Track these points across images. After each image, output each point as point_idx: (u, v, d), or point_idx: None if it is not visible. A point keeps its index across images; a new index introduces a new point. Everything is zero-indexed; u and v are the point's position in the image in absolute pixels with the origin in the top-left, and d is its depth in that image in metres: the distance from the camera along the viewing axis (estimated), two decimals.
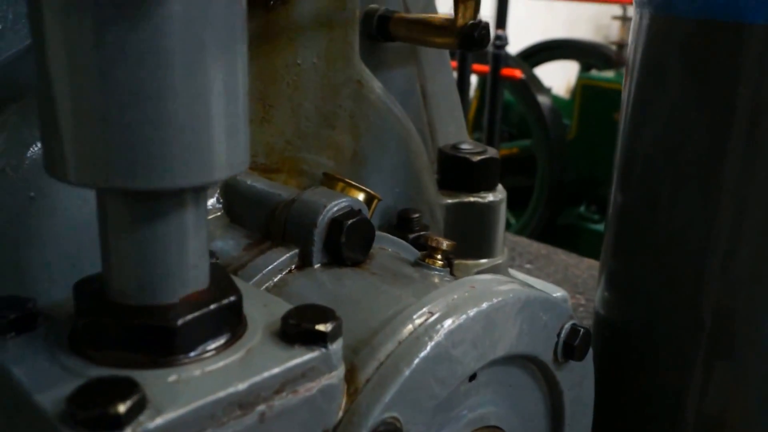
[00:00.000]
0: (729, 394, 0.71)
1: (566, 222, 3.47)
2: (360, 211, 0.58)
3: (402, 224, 0.75)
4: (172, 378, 0.38)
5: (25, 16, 0.54)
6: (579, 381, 0.60)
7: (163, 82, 0.34)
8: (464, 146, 0.87)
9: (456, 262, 0.73)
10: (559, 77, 4.78)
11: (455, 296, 0.51)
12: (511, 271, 0.93)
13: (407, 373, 0.46)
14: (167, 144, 0.35)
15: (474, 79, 3.50)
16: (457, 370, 0.49)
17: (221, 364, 0.39)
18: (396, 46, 0.82)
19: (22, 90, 0.53)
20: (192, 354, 0.39)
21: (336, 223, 0.57)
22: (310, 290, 0.55)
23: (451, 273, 0.63)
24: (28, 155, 0.51)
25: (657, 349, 0.74)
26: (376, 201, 0.68)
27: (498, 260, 0.88)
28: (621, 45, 3.76)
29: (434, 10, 0.93)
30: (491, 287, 0.52)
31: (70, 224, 0.53)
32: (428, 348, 0.47)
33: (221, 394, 0.37)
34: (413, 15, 0.78)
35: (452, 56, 0.96)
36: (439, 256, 0.60)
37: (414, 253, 0.66)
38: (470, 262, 0.86)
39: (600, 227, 3.30)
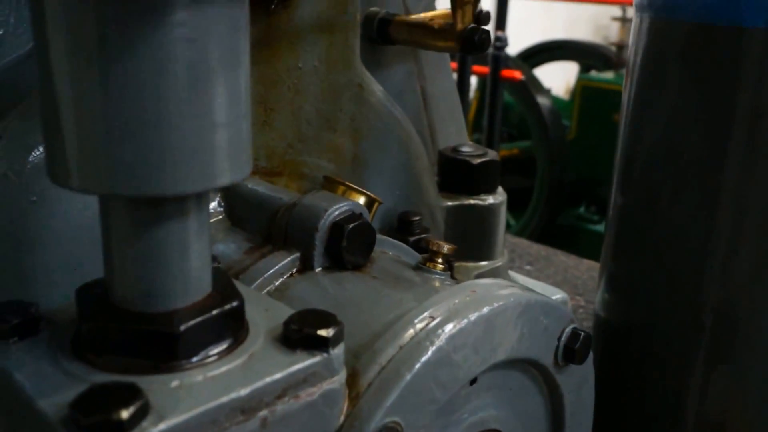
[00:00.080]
0: (729, 396, 0.71)
1: (566, 223, 3.47)
2: (361, 215, 0.58)
3: (402, 227, 0.75)
4: (175, 383, 0.38)
5: (27, 21, 0.54)
6: (579, 384, 0.60)
7: (166, 91, 0.34)
8: (464, 149, 0.87)
9: (456, 264, 0.73)
10: (558, 78, 4.78)
11: (456, 301, 0.51)
12: (511, 273, 0.93)
13: (408, 377, 0.46)
14: (170, 151, 0.35)
15: (474, 80, 3.50)
16: (458, 375, 0.50)
17: (223, 369, 0.39)
18: (396, 48, 0.82)
19: (24, 94, 0.53)
20: (194, 359, 0.39)
21: (337, 227, 0.57)
22: (311, 294, 0.55)
23: (452, 275, 0.63)
24: (30, 160, 0.51)
25: (657, 350, 0.74)
26: (376, 204, 0.68)
27: (498, 262, 0.89)
28: (620, 46, 3.76)
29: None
30: (492, 292, 0.53)
31: (72, 228, 0.53)
32: (429, 352, 0.47)
33: (224, 399, 0.37)
34: (414, 18, 0.78)
35: (452, 57, 0.96)
36: (439, 260, 0.60)
37: (414, 257, 0.66)
38: (470, 264, 0.86)
39: (599, 228, 3.30)
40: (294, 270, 0.57)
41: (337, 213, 0.57)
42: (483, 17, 0.78)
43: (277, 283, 0.56)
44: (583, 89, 3.35)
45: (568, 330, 0.57)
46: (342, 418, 0.44)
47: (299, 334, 0.42)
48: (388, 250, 0.64)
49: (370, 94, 0.72)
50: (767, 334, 0.68)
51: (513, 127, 3.71)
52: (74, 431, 0.34)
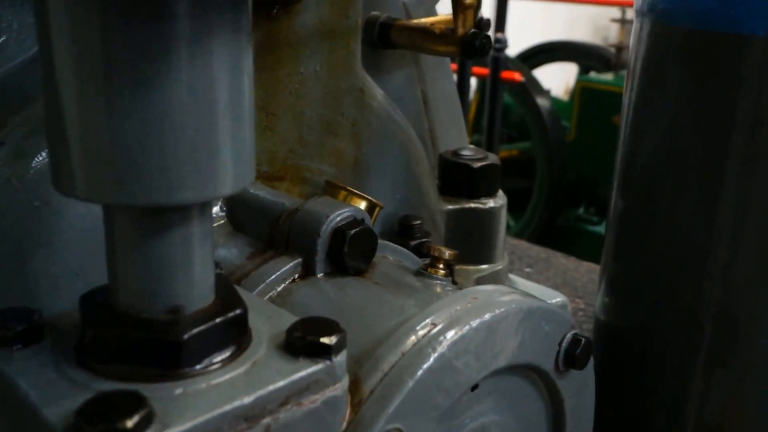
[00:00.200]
0: (729, 399, 0.71)
1: (565, 224, 3.48)
2: (363, 220, 0.59)
3: (403, 231, 0.75)
4: (179, 391, 0.38)
5: (30, 27, 0.55)
6: (580, 389, 0.60)
7: (169, 101, 0.34)
8: (465, 152, 0.87)
9: (456, 267, 0.74)
10: (557, 79, 4.78)
11: (458, 307, 0.51)
12: (511, 276, 0.93)
13: (411, 384, 0.46)
14: (175, 161, 0.35)
15: (473, 82, 3.50)
16: (459, 381, 0.50)
17: (227, 377, 0.40)
18: (397, 52, 0.82)
19: (27, 100, 0.53)
20: (198, 367, 0.40)
21: (339, 232, 0.57)
22: (313, 300, 0.55)
23: (452, 279, 0.63)
24: (33, 165, 0.51)
25: (657, 354, 0.74)
26: (377, 209, 0.68)
27: (498, 266, 0.89)
28: (620, 48, 3.75)
29: (435, 15, 0.93)
30: (493, 298, 0.53)
31: (75, 233, 0.53)
32: (431, 359, 0.47)
33: (227, 407, 0.38)
34: (415, 23, 0.78)
35: (452, 59, 0.96)
36: (441, 266, 0.60)
37: (415, 261, 0.66)
38: (471, 267, 0.86)
39: (599, 229, 3.30)
40: (296, 275, 0.57)
41: (338, 219, 0.58)
42: (483, 24, 0.78)
43: (279, 289, 0.56)
44: (582, 91, 3.35)
45: (569, 335, 0.57)
46: (344, 424, 0.44)
47: (302, 341, 0.42)
48: (390, 255, 0.64)
49: (371, 98, 0.73)
50: (767, 339, 0.69)
51: (512, 128, 3.71)
52: None
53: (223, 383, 0.39)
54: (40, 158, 0.51)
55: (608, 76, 3.44)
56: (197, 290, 0.41)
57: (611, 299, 0.80)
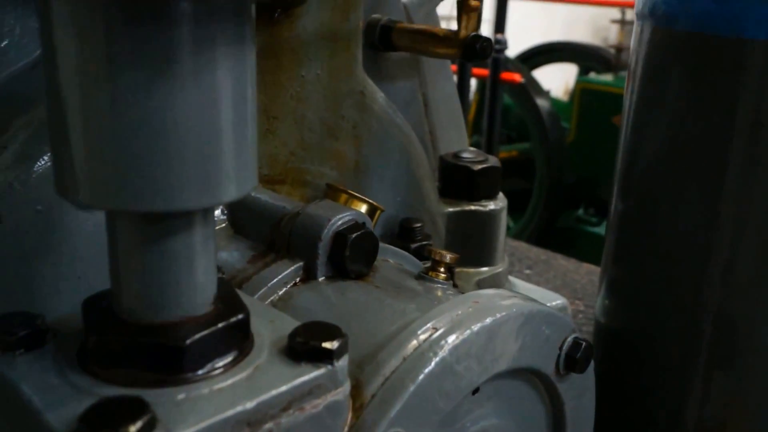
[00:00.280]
0: (729, 401, 0.71)
1: (564, 224, 3.48)
2: (364, 224, 0.59)
3: (404, 234, 0.76)
4: (181, 397, 0.38)
5: (32, 31, 0.55)
6: (580, 392, 0.60)
7: (173, 108, 0.34)
8: (465, 154, 0.88)
9: (457, 270, 0.74)
10: (557, 79, 4.79)
11: (459, 311, 0.51)
12: (511, 279, 0.93)
13: (412, 388, 0.46)
14: (178, 167, 0.35)
15: (473, 83, 3.50)
16: (460, 385, 0.50)
17: (229, 382, 0.40)
18: (398, 54, 0.82)
19: (30, 104, 0.53)
20: (200, 372, 0.40)
21: (340, 236, 0.57)
22: (315, 304, 0.55)
23: (452, 281, 0.63)
24: (35, 169, 0.51)
25: (657, 356, 0.74)
26: (378, 212, 0.69)
27: (498, 268, 0.89)
28: (619, 49, 3.75)
29: (435, 17, 0.93)
30: (494, 302, 0.53)
31: (77, 237, 0.53)
32: (433, 364, 0.47)
33: (230, 412, 0.38)
34: (416, 25, 0.78)
35: (452, 60, 0.96)
36: (442, 269, 0.60)
37: (416, 264, 0.66)
38: (471, 270, 0.86)
39: (598, 230, 3.30)
40: (297, 279, 0.58)
41: (340, 222, 0.58)
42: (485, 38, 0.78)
43: (280, 293, 0.56)
44: (582, 92, 3.35)
45: (569, 339, 0.57)
46: (346, 429, 0.44)
47: (304, 346, 0.42)
48: (390, 258, 0.65)
49: (372, 101, 0.73)
50: (767, 342, 0.69)
51: (512, 129, 3.71)
52: None
53: (226, 388, 0.39)
54: (42, 162, 0.51)
55: (608, 77, 3.44)
56: (200, 295, 0.41)
57: (611, 301, 0.80)
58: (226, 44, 0.35)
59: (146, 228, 0.38)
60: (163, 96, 0.34)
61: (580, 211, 3.47)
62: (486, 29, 3.57)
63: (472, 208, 0.85)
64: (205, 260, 0.41)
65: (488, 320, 0.51)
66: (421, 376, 0.47)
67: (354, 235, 0.57)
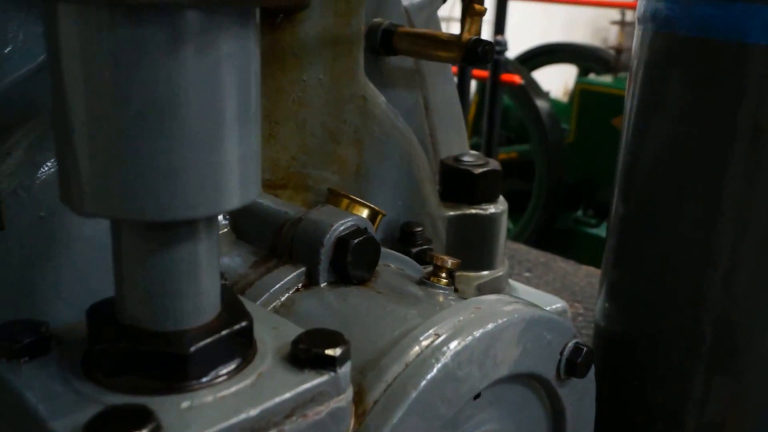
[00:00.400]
0: (729, 406, 0.71)
1: (563, 226, 3.48)
2: (366, 229, 0.59)
3: (405, 238, 0.76)
4: (185, 404, 0.38)
5: (36, 37, 0.55)
6: (581, 396, 0.61)
7: (178, 118, 0.34)
8: (466, 158, 0.88)
9: (457, 274, 0.74)
10: (556, 80, 4.79)
11: (461, 317, 0.51)
12: (511, 282, 0.93)
13: (414, 395, 0.47)
14: (182, 176, 0.35)
15: (473, 84, 3.50)
16: (462, 391, 0.50)
17: (233, 389, 0.40)
18: (399, 58, 0.83)
19: (33, 110, 0.53)
20: (204, 380, 0.40)
21: (342, 242, 0.57)
22: (317, 310, 0.55)
23: (453, 285, 0.63)
24: (39, 176, 0.51)
25: (657, 360, 0.74)
26: (380, 216, 0.69)
27: (499, 272, 0.89)
28: (619, 50, 3.75)
29: (437, 21, 0.94)
30: (496, 308, 0.53)
31: (80, 243, 0.53)
32: (435, 370, 0.48)
33: (234, 420, 0.38)
34: (417, 30, 0.78)
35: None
36: (443, 275, 0.61)
37: (417, 269, 0.66)
38: (472, 274, 0.87)
39: (597, 231, 3.30)
40: (299, 285, 0.58)
41: (342, 228, 0.58)
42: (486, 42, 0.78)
43: (282, 299, 0.56)
44: (581, 93, 3.35)
45: (570, 344, 0.57)
46: None
47: (307, 353, 0.42)
48: (392, 263, 0.65)
49: (373, 105, 0.73)
50: (767, 346, 0.69)
51: (511, 130, 3.71)
52: None
53: (230, 396, 0.39)
54: (46, 169, 0.52)
55: (608, 79, 3.44)
56: (204, 303, 0.41)
57: (611, 304, 0.80)
58: (232, 53, 0.36)
59: (150, 236, 0.38)
60: (168, 105, 0.34)
61: (579, 213, 3.47)
62: (486, 30, 3.56)
63: (473, 211, 0.85)
64: (209, 268, 0.41)
65: (490, 326, 0.51)
66: (424, 383, 0.47)
67: (356, 241, 0.57)
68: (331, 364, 0.42)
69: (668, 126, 0.70)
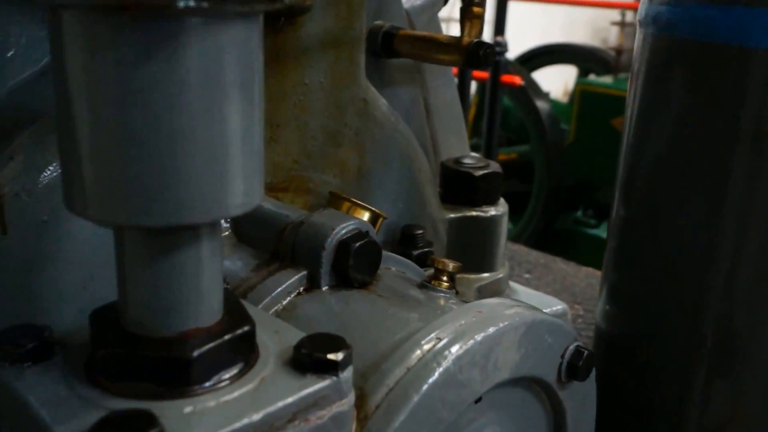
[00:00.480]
0: (729, 409, 0.72)
1: (563, 227, 3.48)
2: (367, 233, 0.59)
3: (406, 240, 0.76)
4: (188, 409, 0.38)
5: (38, 41, 0.55)
6: (582, 400, 0.61)
7: (182, 125, 0.35)
8: (467, 160, 0.88)
9: (457, 276, 0.74)
10: (556, 80, 4.79)
11: (462, 321, 0.51)
12: (512, 284, 0.93)
13: (416, 399, 0.47)
14: (185, 182, 0.35)
15: (473, 85, 3.50)
16: (464, 395, 0.50)
17: (236, 394, 0.40)
18: (400, 61, 0.83)
19: (36, 114, 0.53)
20: (207, 384, 0.40)
21: (344, 245, 0.57)
22: (319, 314, 0.56)
23: (454, 288, 0.63)
24: (42, 179, 0.52)
25: (658, 363, 0.74)
26: (381, 219, 0.69)
27: (499, 274, 0.89)
28: (620, 51, 3.75)
29: (437, 23, 0.94)
30: (497, 311, 0.53)
31: (83, 246, 0.54)
32: (436, 374, 0.48)
33: (236, 425, 0.38)
34: (418, 32, 0.79)
35: None
36: (444, 278, 0.61)
37: (418, 272, 0.66)
38: (472, 276, 0.87)
39: (596, 232, 3.30)
40: (301, 288, 0.58)
41: (343, 232, 0.58)
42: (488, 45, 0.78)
43: (284, 303, 0.56)
44: (581, 93, 3.35)
45: (571, 348, 0.57)
46: None
47: (309, 358, 0.42)
48: (392, 266, 0.65)
49: (374, 108, 0.73)
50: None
51: (511, 131, 3.71)
52: None
53: (232, 401, 0.40)
54: (48, 173, 0.52)
55: (608, 79, 3.44)
56: (206, 308, 0.41)
57: (612, 307, 0.80)
58: (236, 60, 0.36)
59: (154, 242, 0.38)
60: (171, 112, 0.34)
61: (579, 213, 3.47)
62: (486, 31, 3.56)
63: (474, 214, 0.85)
64: (211, 273, 0.41)
65: (491, 330, 0.51)
66: (425, 387, 0.47)
67: (357, 245, 0.57)
68: (333, 368, 0.42)
69: (669, 128, 0.70)
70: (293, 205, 0.69)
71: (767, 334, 0.69)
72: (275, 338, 0.45)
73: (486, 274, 0.88)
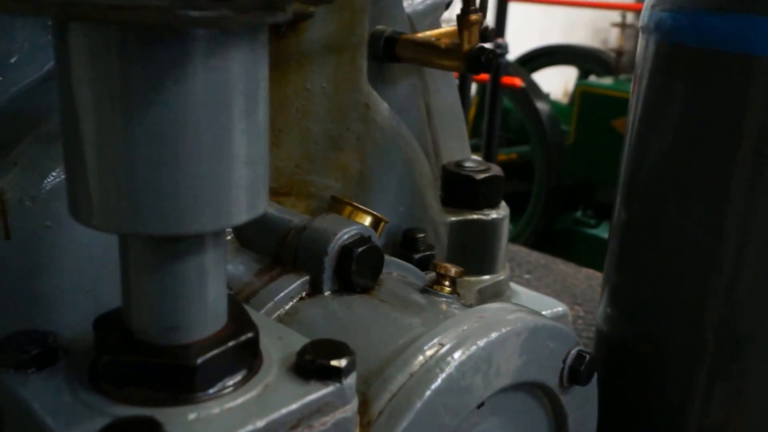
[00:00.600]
0: (730, 413, 0.72)
1: (563, 227, 3.48)
2: (369, 238, 0.59)
3: (407, 244, 0.76)
4: (192, 416, 0.38)
5: (41, 46, 0.55)
6: (583, 403, 0.61)
7: (187, 135, 0.35)
8: (468, 164, 0.88)
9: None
10: (556, 81, 4.79)
11: (465, 327, 0.51)
12: (513, 286, 0.93)
13: (419, 405, 0.47)
14: (190, 192, 0.35)
15: (473, 85, 3.50)
16: (466, 400, 0.50)
17: (239, 401, 0.40)
18: (401, 64, 0.83)
19: (39, 119, 0.53)
20: (211, 391, 0.40)
21: (346, 250, 0.58)
22: (321, 319, 0.56)
23: (456, 293, 0.63)
24: (45, 185, 0.52)
25: (659, 366, 0.74)
26: (382, 224, 0.69)
27: (500, 276, 0.89)
28: (620, 52, 3.75)
29: (439, 27, 0.94)
30: (499, 316, 0.53)
31: (86, 252, 0.54)
32: (439, 380, 0.48)
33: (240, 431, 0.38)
34: (420, 37, 0.79)
35: None
36: (447, 283, 0.61)
37: (420, 276, 0.67)
38: (473, 278, 0.87)
39: (596, 232, 3.31)
40: (304, 293, 0.58)
41: (346, 237, 0.58)
42: (488, 34, 0.79)
43: (287, 307, 0.57)
44: (582, 95, 3.36)
45: (573, 352, 0.57)
46: None
47: (313, 364, 0.42)
48: (395, 270, 0.65)
49: (376, 113, 0.73)
50: None
51: (511, 132, 3.72)
52: None
53: (236, 407, 0.40)
54: (51, 178, 0.52)
55: (608, 81, 3.44)
56: (210, 315, 0.41)
57: (613, 310, 0.81)
58: (241, 72, 0.36)
59: (158, 250, 0.39)
60: (176, 121, 0.34)
61: (579, 213, 3.48)
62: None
63: (475, 217, 0.85)
64: (216, 280, 0.41)
65: (493, 335, 0.51)
66: (428, 393, 0.47)
67: (360, 250, 0.57)
68: (337, 375, 0.42)
69: (672, 133, 0.70)
70: (295, 209, 0.69)
71: None
72: (278, 344, 0.46)
73: (487, 277, 0.88)
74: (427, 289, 0.61)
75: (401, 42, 0.78)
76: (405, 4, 0.84)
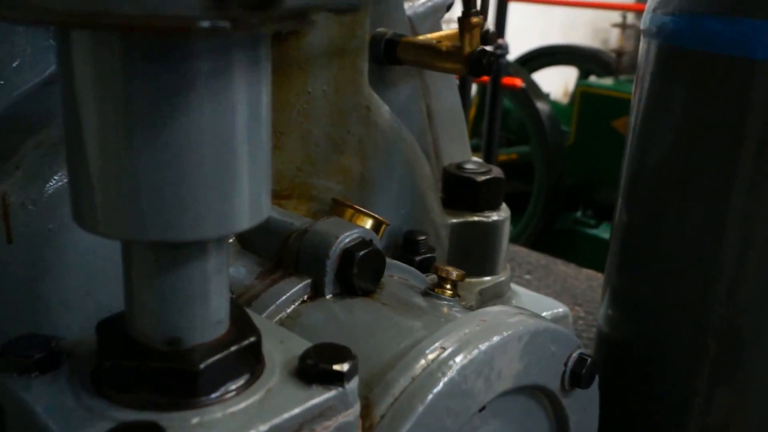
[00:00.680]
0: (732, 415, 0.72)
1: (563, 227, 3.49)
2: (371, 241, 0.59)
3: (408, 246, 0.76)
4: (195, 421, 0.38)
5: (43, 51, 0.55)
6: (584, 406, 0.61)
7: (189, 140, 0.35)
8: (469, 166, 0.88)
9: None
10: (556, 81, 4.79)
11: (467, 330, 0.51)
12: (514, 287, 0.94)
13: (421, 409, 0.47)
14: (193, 198, 0.36)
15: (473, 85, 3.50)
16: (468, 404, 0.50)
17: (242, 405, 0.40)
18: (402, 66, 0.83)
19: (41, 123, 0.53)
20: (214, 396, 0.40)
21: (348, 254, 0.58)
22: (323, 323, 0.56)
23: (457, 296, 0.64)
24: (47, 189, 0.52)
25: (660, 369, 0.74)
26: (384, 226, 0.69)
27: (501, 277, 0.89)
28: (620, 53, 3.75)
29: (440, 29, 0.94)
30: (501, 320, 0.53)
31: (88, 255, 0.54)
32: (441, 384, 0.48)
33: None
34: (421, 40, 0.79)
35: None
36: (448, 286, 0.61)
37: (421, 279, 0.67)
38: (474, 280, 0.87)
39: (596, 232, 3.31)
40: (305, 296, 0.58)
41: (347, 240, 0.58)
42: (489, 37, 0.79)
43: (288, 311, 0.57)
44: (582, 95, 3.36)
45: (574, 355, 0.57)
46: None
47: (315, 369, 0.42)
48: (395, 273, 0.65)
49: (377, 115, 0.73)
50: None
51: (511, 132, 3.72)
52: None
53: (239, 412, 0.40)
54: (53, 182, 0.52)
55: (608, 81, 3.44)
56: (213, 319, 0.41)
57: (615, 311, 0.81)
58: (244, 81, 0.36)
59: (161, 256, 0.39)
60: (179, 128, 0.34)
61: (579, 213, 3.48)
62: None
63: (475, 219, 0.85)
64: (218, 285, 0.41)
65: (495, 339, 0.51)
66: (430, 396, 0.47)
67: (361, 253, 0.58)
68: (339, 379, 0.43)
69: (673, 136, 0.70)
70: (297, 212, 0.69)
71: None
72: (281, 348, 0.46)
73: (488, 278, 0.88)
74: (429, 292, 0.61)
75: (402, 45, 0.78)
76: (406, 6, 0.84)
